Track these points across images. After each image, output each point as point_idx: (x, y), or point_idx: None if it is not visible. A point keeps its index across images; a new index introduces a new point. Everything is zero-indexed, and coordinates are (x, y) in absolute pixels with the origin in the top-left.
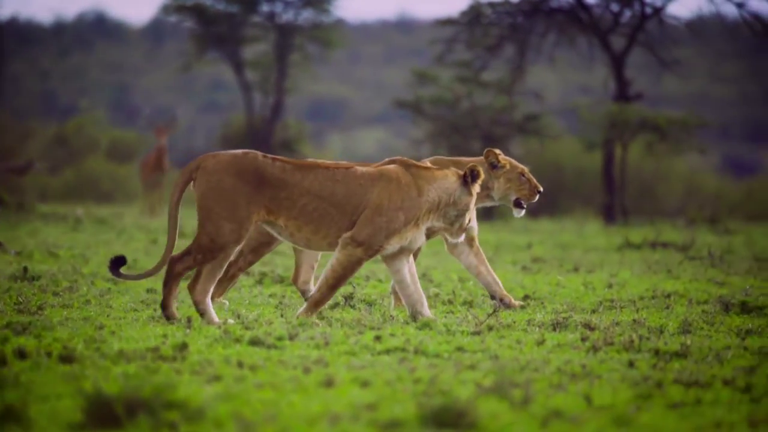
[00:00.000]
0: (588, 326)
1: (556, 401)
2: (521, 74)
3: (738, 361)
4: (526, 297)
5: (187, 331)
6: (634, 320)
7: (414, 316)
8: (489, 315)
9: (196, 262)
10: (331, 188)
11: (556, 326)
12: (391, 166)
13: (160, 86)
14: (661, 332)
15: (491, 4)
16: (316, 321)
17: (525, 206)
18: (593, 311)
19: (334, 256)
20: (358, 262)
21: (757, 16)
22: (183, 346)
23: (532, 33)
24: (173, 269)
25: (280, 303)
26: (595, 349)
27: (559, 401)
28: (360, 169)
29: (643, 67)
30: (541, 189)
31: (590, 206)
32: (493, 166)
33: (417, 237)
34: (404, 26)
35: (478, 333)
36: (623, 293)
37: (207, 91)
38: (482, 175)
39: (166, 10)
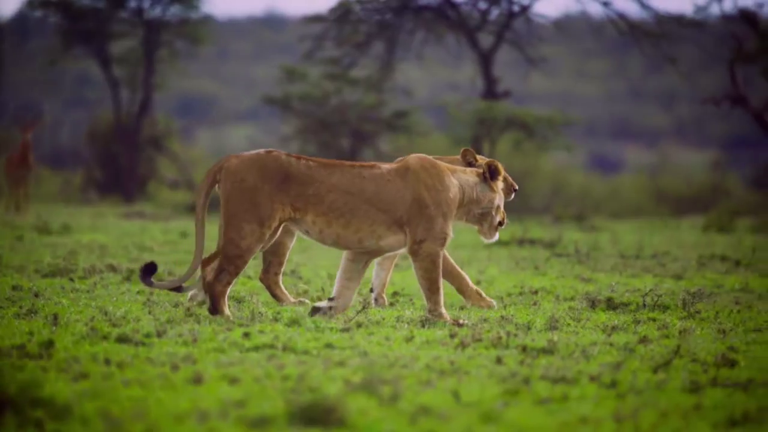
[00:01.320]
0: (456, 323)
1: (424, 397)
2: (390, 71)
3: (604, 357)
4: (395, 294)
5: (54, 328)
6: (502, 317)
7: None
8: (358, 312)
9: (231, 274)
10: (360, 185)
11: (424, 323)
12: (412, 160)
13: (26, 82)
14: (529, 329)
15: (360, 1)
16: (460, 320)
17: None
18: (461, 308)
19: (415, 267)
20: (438, 256)
21: (622, 15)
22: (49, 344)
23: (401, 30)
24: (214, 291)
25: (148, 300)
26: (463, 345)
27: (428, 397)
28: (383, 166)
29: (510, 64)
30: (517, 187)
31: None
32: (470, 164)
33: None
34: (273, 22)
35: (347, 330)
36: (491, 290)
37: (74, 86)
38: (502, 171)
39: (31, 4)
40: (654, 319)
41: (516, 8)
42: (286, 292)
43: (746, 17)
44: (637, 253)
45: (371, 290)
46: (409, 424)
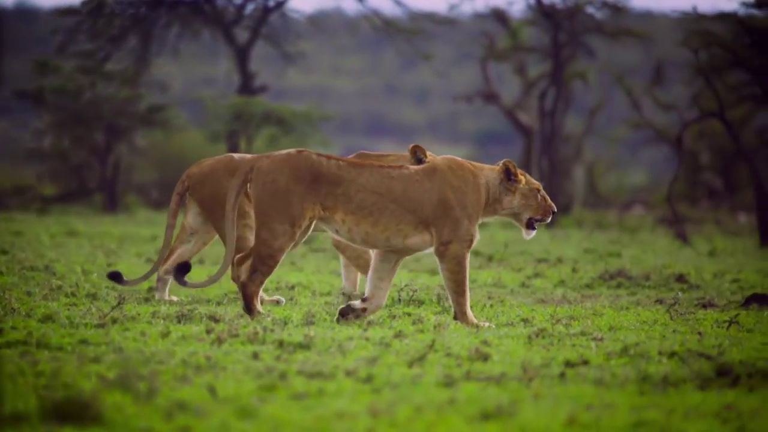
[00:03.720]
0: (213, 318)
1: (180, 393)
2: (145, 65)
3: (360, 351)
4: (151, 290)
5: None
6: (259, 312)
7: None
8: (113, 307)
9: (264, 274)
10: (388, 184)
11: (181, 318)
12: (440, 160)
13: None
14: (285, 324)
15: None
16: (484, 322)
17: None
18: (218, 303)
19: (441, 269)
20: (464, 258)
21: (376, 12)
22: None
23: (156, 24)
24: (247, 291)
25: None
26: (219, 340)
27: (184, 393)
28: (411, 167)
29: (267, 60)
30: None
31: None
32: (420, 160)
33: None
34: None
35: (102, 325)
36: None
37: None
38: (516, 172)
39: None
40: (409, 314)
41: (271, 4)
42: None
43: (497, 15)
44: None
45: (342, 293)
46: (164, 420)
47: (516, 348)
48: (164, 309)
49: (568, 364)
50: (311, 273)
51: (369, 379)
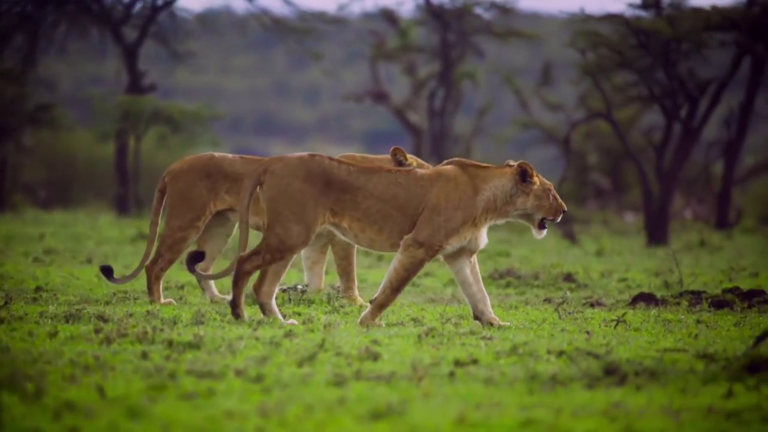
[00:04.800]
0: (102, 318)
1: (69, 393)
2: (32, 64)
3: (250, 351)
4: (38, 289)
5: None
6: (148, 311)
7: (477, 316)
8: (0, 307)
9: (265, 262)
10: (394, 191)
11: (69, 318)
12: (449, 167)
13: None
14: (175, 323)
15: None
16: (381, 323)
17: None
18: (107, 303)
19: (396, 258)
20: (420, 263)
21: (265, 11)
22: None
23: (43, 23)
24: (242, 268)
25: None
26: (108, 340)
27: (72, 393)
28: (419, 171)
29: (155, 59)
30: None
31: (104, 198)
32: (400, 163)
33: (477, 237)
34: None
35: None
36: (137, 285)
37: None
38: (532, 173)
39: None
40: (299, 313)
41: (160, 2)
42: (161, 291)
43: (387, 16)
44: None
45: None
46: (53, 421)
47: (406, 347)
48: (52, 309)
49: (458, 363)
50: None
51: (259, 378)
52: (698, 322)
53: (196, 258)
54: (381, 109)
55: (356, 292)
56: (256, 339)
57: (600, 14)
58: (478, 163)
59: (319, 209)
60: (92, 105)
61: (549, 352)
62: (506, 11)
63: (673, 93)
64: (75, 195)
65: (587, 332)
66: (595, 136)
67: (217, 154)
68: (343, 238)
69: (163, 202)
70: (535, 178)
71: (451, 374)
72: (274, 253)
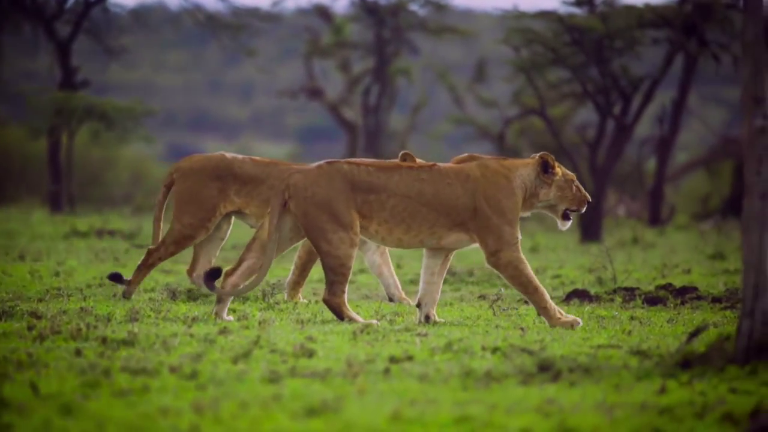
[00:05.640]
0: (35, 315)
1: (2, 391)
2: None
3: (184, 348)
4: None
5: None
6: (82, 308)
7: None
8: None
9: (342, 283)
10: (419, 187)
11: (1, 315)
12: (472, 164)
13: None
14: (109, 320)
15: None
16: (577, 319)
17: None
18: (40, 300)
19: (503, 278)
20: (518, 260)
21: (199, 6)
22: None
23: None
24: (333, 303)
25: None
26: (41, 337)
27: (5, 391)
28: (442, 166)
29: (89, 54)
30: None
31: (36, 194)
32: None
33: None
34: None
35: None
36: (71, 281)
37: None
38: (554, 164)
39: None
40: (234, 310)
41: None
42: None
43: (321, 12)
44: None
45: (390, 299)
46: None
47: (341, 344)
48: None
49: (393, 359)
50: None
51: (193, 375)
52: (632, 318)
53: (213, 275)
54: (315, 105)
55: (300, 290)
56: (191, 336)
57: (533, 11)
58: (496, 157)
59: (352, 211)
60: (25, 101)
61: (484, 348)
62: (440, 8)
63: (606, 90)
64: (7, 191)
65: (522, 329)
66: (529, 132)
67: (228, 154)
68: (371, 241)
69: (166, 199)
70: (558, 169)
71: (386, 371)
72: (339, 270)
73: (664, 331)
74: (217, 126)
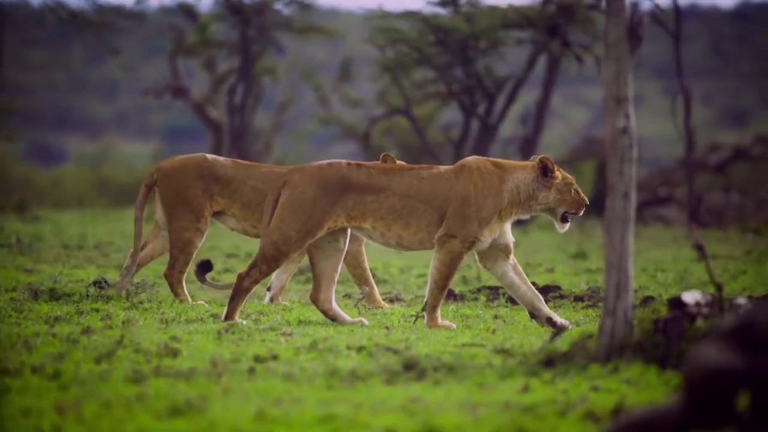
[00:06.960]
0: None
1: None
2: None
3: (47, 348)
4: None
5: None
6: None
7: (534, 314)
8: None
9: (262, 274)
10: (418, 186)
11: None
12: (470, 160)
13: None
14: None
15: None
16: (452, 325)
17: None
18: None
19: (434, 257)
20: (459, 256)
21: (62, 4)
22: None
23: None
24: (242, 284)
25: None
26: None
27: None
28: (441, 167)
29: None
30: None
31: None
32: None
33: (505, 232)
34: None
35: None
36: None
37: None
38: (553, 168)
39: None
40: (97, 310)
41: None
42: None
43: (185, 10)
44: (81, 244)
45: (268, 289)
46: None
47: (205, 343)
48: None
49: (258, 359)
50: None
51: (56, 375)
52: (495, 317)
53: (204, 267)
54: (180, 104)
55: (378, 296)
56: (53, 336)
57: (398, 11)
58: (496, 159)
59: (328, 217)
60: None
61: (349, 347)
62: (306, 7)
63: (470, 90)
64: None
65: (387, 327)
66: (395, 132)
67: (209, 156)
68: (370, 240)
69: (147, 198)
70: (557, 173)
71: (251, 370)
72: (270, 263)
73: (528, 330)
74: (81, 125)
